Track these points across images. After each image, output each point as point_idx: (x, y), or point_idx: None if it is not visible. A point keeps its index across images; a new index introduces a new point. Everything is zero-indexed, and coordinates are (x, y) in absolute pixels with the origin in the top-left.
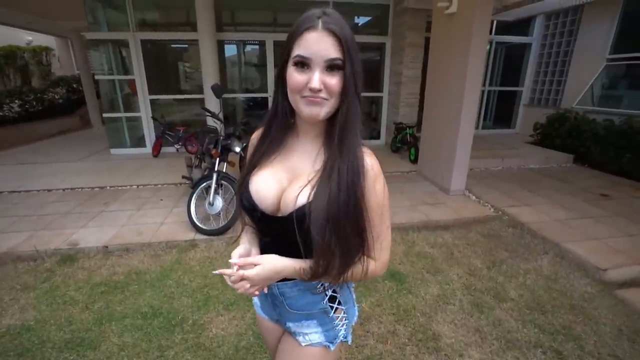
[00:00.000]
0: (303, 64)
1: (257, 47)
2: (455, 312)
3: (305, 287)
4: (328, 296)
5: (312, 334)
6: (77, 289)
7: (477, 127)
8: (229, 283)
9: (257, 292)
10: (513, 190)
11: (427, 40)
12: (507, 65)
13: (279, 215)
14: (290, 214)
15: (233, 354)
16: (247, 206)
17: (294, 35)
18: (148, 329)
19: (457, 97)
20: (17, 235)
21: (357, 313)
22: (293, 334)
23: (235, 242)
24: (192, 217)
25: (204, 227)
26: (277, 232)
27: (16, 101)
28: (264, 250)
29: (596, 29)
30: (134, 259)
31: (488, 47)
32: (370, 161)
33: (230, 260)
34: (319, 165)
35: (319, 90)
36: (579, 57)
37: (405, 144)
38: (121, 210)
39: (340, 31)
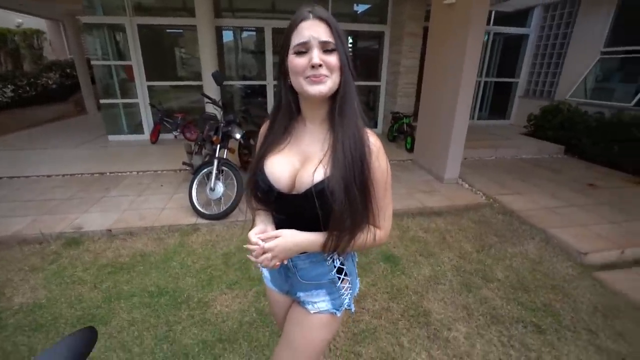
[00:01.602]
0: (302, 51)
1: (255, 34)
2: (445, 291)
3: (316, 260)
4: (336, 268)
5: (320, 302)
6: (84, 269)
7: (472, 118)
8: (252, 259)
9: (277, 264)
10: (505, 180)
11: (426, 30)
12: (503, 56)
13: (294, 193)
14: (308, 191)
15: (237, 328)
16: (263, 187)
17: (291, 29)
18: (155, 306)
19: (453, 87)
20: (21, 220)
21: (358, 285)
22: (302, 303)
23: (250, 227)
24: (193, 202)
25: (205, 212)
26: (291, 209)
27: (9, 86)
28: (278, 227)
29: (592, 22)
30: (137, 242)
31: (485, 37)
32: (372, 139)
33: (250, 238)
34: (326, 147)
35: (320, 66)
36: (574, 49)
37: (401, 133)
38: (122, 195)
39: (329, 19)
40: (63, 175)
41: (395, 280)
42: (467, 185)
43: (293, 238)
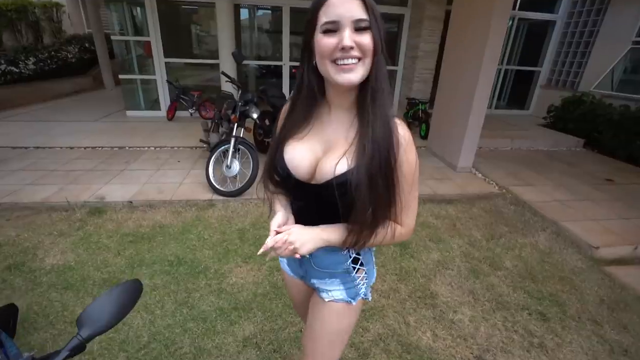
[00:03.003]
0: (331, 29)
1: (273, 12)
2: (453, 276)
3: (331, 248)
4: (352, 258)
5: (334, 291)
6: (108, 237)
7: (490, 107)
8: (273, 254)
9: (298, 255)
10: (519, 171)
11: (447, 13)
12: (527, 43)
13: (313, 182)
14: (329, 182)
15: (252, 299)
16: (281, 174)
17: (318, 5)
18: (175, 274)
19: (472, 74)
20: (48, 188)
21: (375, 274)
22: (318, 291)
23: (269, 214)
24: (210, 179)
25: (221, 189)
26: (310, 198)
27: (30, 58)
28: (297, 214)
29: (625, 10)
30: (157, 214)
31: (509, 23)
32: (402, 131)
33: (271, 228)
34: (352, 135)
35: (351, 48)
36: (603, 39)
37: (416, 119)
38: (141, 169)
39: None
40: (85, 148)
41: (404, 263)
42: (480, 175)
43: (312, 240)
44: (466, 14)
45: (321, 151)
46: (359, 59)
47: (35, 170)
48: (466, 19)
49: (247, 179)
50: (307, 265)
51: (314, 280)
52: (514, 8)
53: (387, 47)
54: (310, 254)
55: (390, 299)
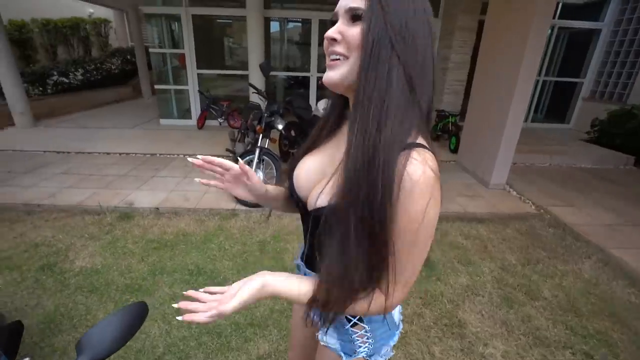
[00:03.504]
0: (333, 21)
1: (302, 25)
2: (484, 304)
3: None
4: (313, 312)
5: (328, 337)
6: (134, 242)
7: (525, 120)
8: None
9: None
10: (559, 189)
11: (480, 24)
12: (568, 53)
13: (308, 209)
14: (312, 212)
15: (268, 315)
16: (290, 188)
17: None
18: (194, 284)
19: (508, 86)
20: (84, 192)
21: (396, 336)
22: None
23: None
24: None
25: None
26: (307, 223)
27: (79, 70)
28: (304, 232)
29: None
30: (181, 221)
31: (548, 32)
32: (413, 168)
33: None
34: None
35: (333, 40)
36: None
37: (446, 132)
38: (170, 176)
39: None
40: (120, 154)
41: (430, 286)
42: (514, 193)
43: (269, 287)
44: (502, 24)
45: (328, 172)
46: (346, 56)
47: (74, 174)
48: (502, 30)
49: None
50: None
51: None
52: (554, 17)
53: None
54: None
55: (414, 325)
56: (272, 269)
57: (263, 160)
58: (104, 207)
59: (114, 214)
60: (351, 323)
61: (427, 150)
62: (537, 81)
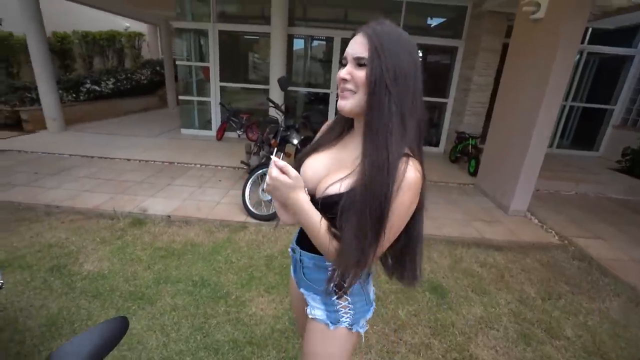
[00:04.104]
0: (343, 63)
1: (324, 42)
2: (499, 339)
3: (320, 265)
4: (336, 282)
5: (316, 309)
6: (142, 249)
7: (550, 145)
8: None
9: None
10: (585, 220)
11: (505, 46)
12: (597, 79)
13: (316, 197)
14: (320, 199)
15: (269, 334)
16: None
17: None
18: (197, 296)
19: (532, 110)
20: (101, 196)
21: (371, 311)
22: (306, 302)
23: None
24: (245, 201)
25: (255, 212)
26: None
27: (111, 79)
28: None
29: None
30: (191, 231)
31: (577, 57)
32: (410, 172)
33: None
34: (358, 162)
35: (344, 80)
36: None
37: (465, 154)
38: (185, 185)
39: (372, 35)
40: (139, 161)
41: (441, 314)
42: (536, 221)
43: (288, 194)
44: (527, 48)
45: (333, 169)
46: (354, 91)
47: (94, 178)
48: (526, 53)
49: None
50: (299, 273)
51: (302, 290)
52: (583, 42)
53: (434, 79)
54: (302, 262)
55: (421, 356)
56: (277, 285)
57: None
58: (118, 212)
59: (127, 219)
60: (337, 296)
61: (416, 160)
62: (564, 106)
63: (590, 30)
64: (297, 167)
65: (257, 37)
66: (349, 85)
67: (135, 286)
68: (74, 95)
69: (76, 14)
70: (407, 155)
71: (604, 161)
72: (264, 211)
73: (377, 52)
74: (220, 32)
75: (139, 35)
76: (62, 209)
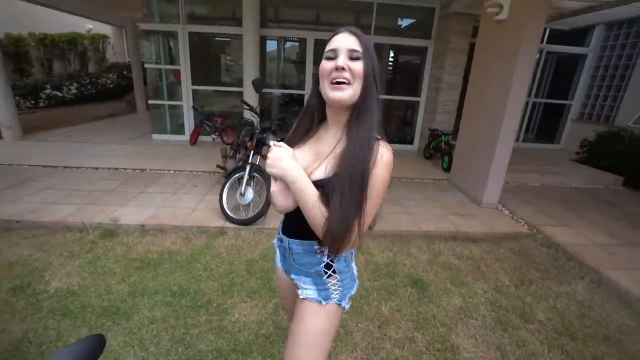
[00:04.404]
0: (331, 56)
1: (297, 44)
2: (477, 327)
3: (309, 249)
4: (325, 262)
5: (308, 290)
6: (115, 261)
7: (517, 140)
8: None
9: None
10: (551, 209)
11: (472, 46)
12: (556, 76)
13: None
14: None
15: (253, 340)
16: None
17: (328, 43)
18: (176, 307)
19: (499, 107)
20: (67, 207)
21: (355, 287)
22: (297, 286)
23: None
24: (223, 206)
25: (233, 216)
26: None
27: (74, 84)
28: (287, 217)
29: None
30: (167, 239)
31: (537, 56)
32: (382, 150)
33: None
34: (338, 150)
35: (343, 69)
36: None
37: (439, 151)
38: (158, 192)
39: (360, 35)
40: (109, 169)
41: (422, 308)
42: (507, 212)
43: (289, 169)
44: (492, 47)
45: (312, 162)
46: (349, 82)
47: (58, 190)
48: (492, 52)
49: (260, 207)
50: (288, 259)
51: (292, 275)
52: (542, 41)
53: (407, 79)
54: (291, 250)
55: (405, 350)
56: (260, 290)
57: (254, 177)
58: (87, 223)
59: (97, 231)
60: (327, 275)
61: (385, 142)
62: (527, 102)
63: (548, 30)
64: None
65: (229, 39)
66: (346, 74)
67: (109, 301)
68: (32, 101)
69: (33, 16)
70: (377, 139)
71: (565, 153)
72: (242, 215)
73: (366, 49)
74: (191, 34)
75: (103, 37)
76: (24, 223)
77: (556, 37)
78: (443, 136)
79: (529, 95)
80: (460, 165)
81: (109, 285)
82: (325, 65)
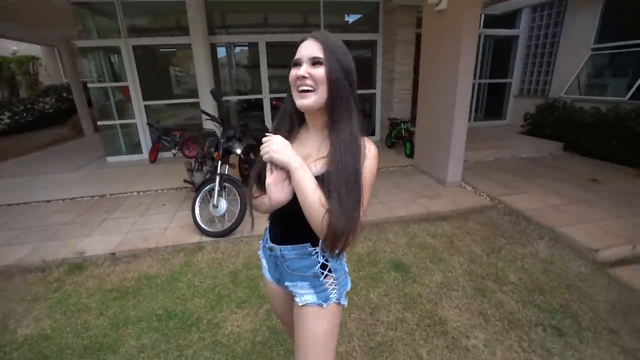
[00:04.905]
0: (297, 64)
1: (249, 48)
2: (459, 298)
3: (302, 253)
4: (320, 263)
5: (306, 295)
6: (89, 296)
7: (469, 120)
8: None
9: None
10: (507, 180)
11: (418, 36)
12: (495, 57)
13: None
14: None
15: (250, 349)
16: (265, 181)
17: (297, 49)
18: (165, 330)
19: (450, 91)
20: (22, 248)
21: (349, 283)
22: (293, 295)
23: (252, 227)
24: (197, 220)
25: (209, 230)
26: (287, 207)
27: (6, 113)
28: (273, 218)
29: (580, 20)
30: (142, 264)
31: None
32: (368, 145)
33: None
34: (324, 151)
35: (304, 77)
36: (565, 48)
37: (400, 139)
38: (124, 217)
39: (322, 38)
40: (63, 200)
41: (408, 289)
42: (470, 188)
43: (289, 156)
44: (436, 36)
45: None
46: (313, 89)
47: (8, 230)
48: (437, 40)
49: (235, 216)
50: (281, 267)
51: (287, 283)
52: (478, 27)
53: (361, 73)
54: (284, 257)
55: (399, 331)
56: (248, 298)
57: (225, 187)
58: (49, 261)
59: (61, 267)
60: (324, 275)
61: (367, 138)
62: (474, 84)
63: (483, 16)
64: (262, 168)
65: (177, 50)
66: (309, 82)
67: (89, 338)
68: None
69: None
70: (365, 135)
71: (512, 127)
72: (218, 227)
73: (330, 52)
74: (135, 47)
75: (33, 59)
76: None
77: (491, 21)
78: (402, 124)
79: (474, 77)
80: (422, 150)
81: (86, 321)
82: (292, 73)
